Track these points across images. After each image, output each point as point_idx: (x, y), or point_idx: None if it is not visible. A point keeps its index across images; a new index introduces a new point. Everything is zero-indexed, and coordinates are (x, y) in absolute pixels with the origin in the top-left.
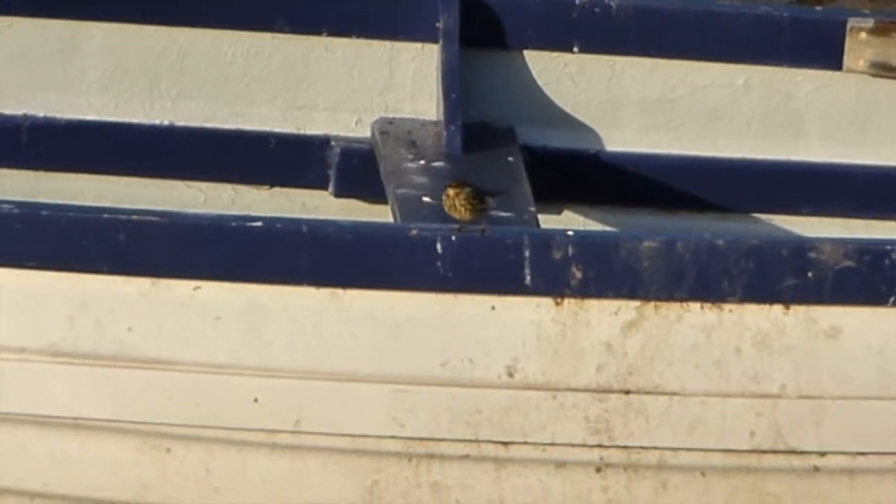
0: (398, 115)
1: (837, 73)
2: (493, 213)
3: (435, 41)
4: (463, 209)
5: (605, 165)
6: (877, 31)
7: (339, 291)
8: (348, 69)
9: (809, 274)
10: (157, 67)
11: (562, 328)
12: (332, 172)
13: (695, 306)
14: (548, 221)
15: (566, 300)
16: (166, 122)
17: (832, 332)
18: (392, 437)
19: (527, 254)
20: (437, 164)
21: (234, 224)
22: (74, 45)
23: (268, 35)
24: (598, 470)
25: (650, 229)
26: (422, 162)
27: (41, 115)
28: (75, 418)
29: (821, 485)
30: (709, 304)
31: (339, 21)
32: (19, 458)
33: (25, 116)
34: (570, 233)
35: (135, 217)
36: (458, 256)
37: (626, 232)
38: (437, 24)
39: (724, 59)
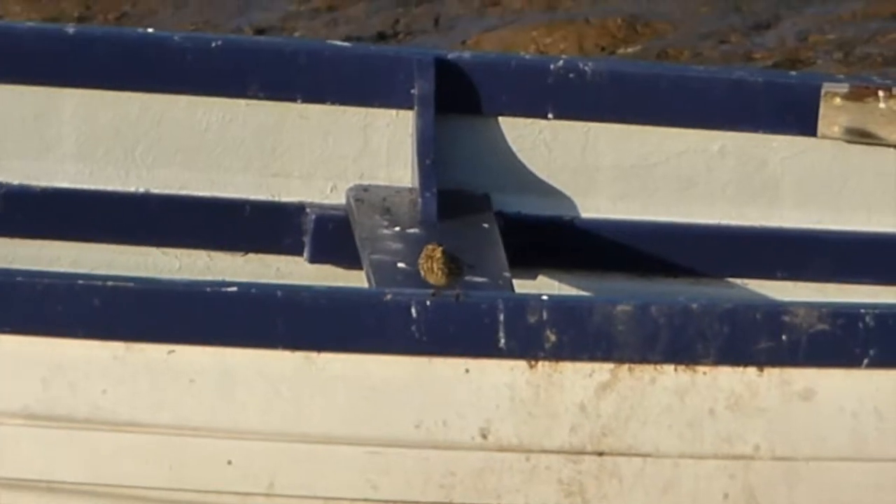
0: (373, 182)
1: (812, 140)
2: (469, 278)
3: (410, 107)
4: (439, 272)
5: (580, 231)
6: (851, 97)
7: (314, 355)
8: (323, 136)
9: (783, 337)
10: (131, 134)
11: (535, 390)
12: (307, 239)
13: (668, 368)
14: (523, 287)
15: (540, 363)
16: (141, 190)
17: (806, 395)
18: (366, 500)
19: (501, 318)
20: (412, 230)
21: (208, 289)
22: (49, 112)
23: (242, 101)
24: None
25: (624, 294)
26: (397, 228)
27: (16, 182)
28: (49, 481)
29: None
30: (682, 367)
31: (314, 88)
32: None
33: (0, 184)
34: (545, 297)
35: (109, 283)
36: (433, 321)
37: (601, 297)
38: (413, 91)
39: (699, 125)
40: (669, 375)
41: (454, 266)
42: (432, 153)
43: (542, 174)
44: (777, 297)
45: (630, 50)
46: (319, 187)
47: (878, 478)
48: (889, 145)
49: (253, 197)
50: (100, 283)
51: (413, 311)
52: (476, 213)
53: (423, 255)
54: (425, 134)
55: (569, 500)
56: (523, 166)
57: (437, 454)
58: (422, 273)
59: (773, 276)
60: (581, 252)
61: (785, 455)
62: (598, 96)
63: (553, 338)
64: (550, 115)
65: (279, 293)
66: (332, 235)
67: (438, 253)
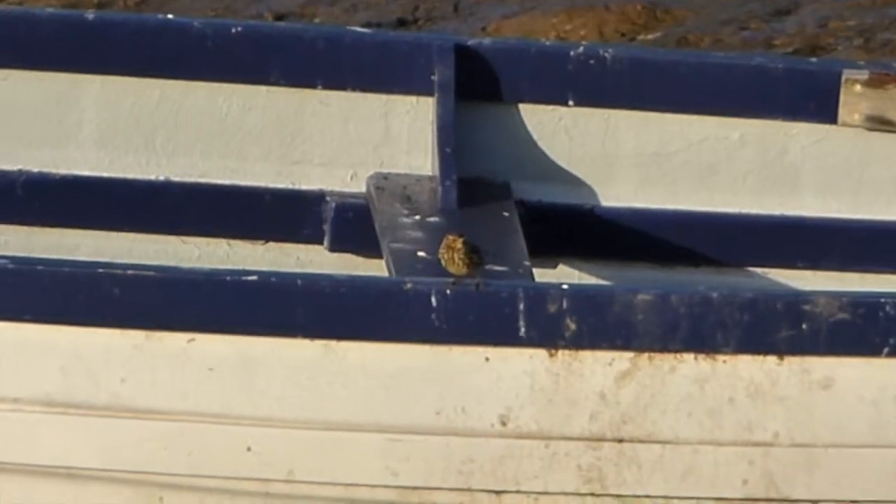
0: (393, 170)
1: (833, 127)
2: (488, 267)
3: (430, 94)
4: (460, 262)
5: (600, 220)
6: (872, 84)
7: (333, 343)
8: (343, 122)
9: (803, 326)
10: (151, 122)
11: (555, 378)
12: (327, 227)
13: (688, 357)
14: (543, 275)
15: (560, 351)
16: (161, 178)
17: (826, 383)
18: (385, 486)
19: (521, 307)
20: (433, 219)
21: (228, 278)
22: (70, 99)
23: (263, 88)
24: None
25: (645, 283)
26: (417, 217)
27: (36, 170)
28: (68, 468)
29: None
30: (703, 355)
31: (334, 74)
32: None
33: (20, 172)
34: (565, 286)
35: (130, 272)
36: (453, 309)
37: (621, 285)
38: (433, 77)
39: (719, 113)
40: (689, 364)
41: (475, 256)
42: (452, 141)
43: (563, 162)
44: (797, 285)
45: (650, 36)
46: (340, 175)
47: None
48: None
49: (273, 185)
50: (120, 271)
51: (433, 299)
52: (496, 202)
53: (443, 245)
54: (445, 121)
55: (588, 487)
56: (543, 154)
57: (456, 441)
58: (442, 263)
59: (794, 264)
60: (601, 240)
61: (804, 442)
62: (619, 83)
63: (573, 326)
64: (571, 102)
65: (299, 282)
66: (352, 224)
67: (459, 244)
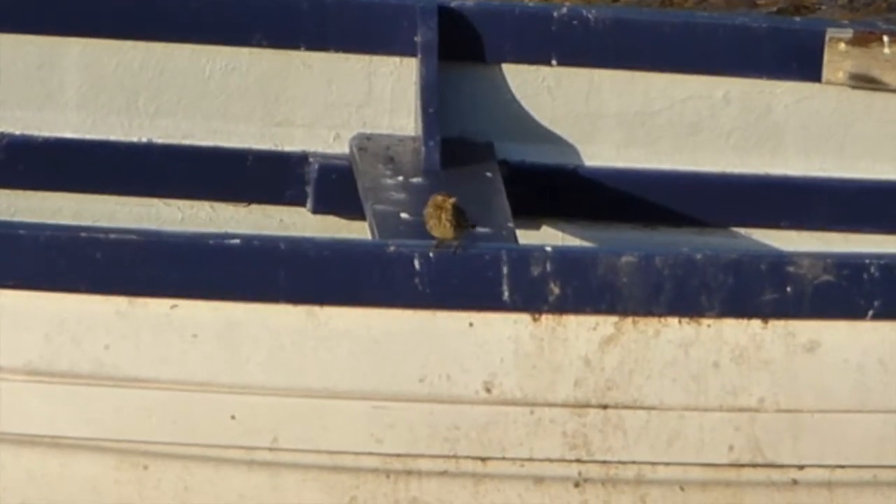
0: (376, 131)
1: (816, 85)
2: (472, 229)
3: (413, 55)
4: (447, 224)
5: (584, 180)
6: (856, 42)
7: (317, 308)
8: (326, 83)
9: (788, 288)
10: (134, 83)
11: (539, 343)
12: (309, 189)
13: (673, 321)
14: (526, 237)
15: (544, 316)
16: (144, 140)
17: (810, 346)
18: (370, 454)
19: (505, 270)
20: (416, 179)
21: (211, 242)
22: (52, 61)
23: (245, 50)
24: (577, 485)
25: (628, 244)
26: (400, 178)
27: (18, 132)
28: (53, 436)
29: (799, 498)
30: (687, 319)
31: (317, 35)
32: None
33: (2, 134)
34: (549, 248)
35: (112, 235)
36: (436, 273)
37: (605, 247)
38: (416, 38)
39: (703, 72)
40: (674, 328)
41: (462, 219)
42: (436, 101)
43: (546, 122)
44: (781, 245)
45: None
46: (322, 136)
47: (882, 429)
48: (894, 91)
49: (256, 147)
50: (102, 235)
51: (416, 263)
52: (479, 162)
53: (431, 203)
54: (428, 82)
55: (573, 453)
56: (527, 114)
57: (441, 408)
58: (428, 223)
59: (777, 224)
60: (584, 201)
61: (790, 407)
62: (602, 43)
63: (557, 290)
64: (554, 63)
65: (282, 245)
66: (335, 185)
67: (448, 204)
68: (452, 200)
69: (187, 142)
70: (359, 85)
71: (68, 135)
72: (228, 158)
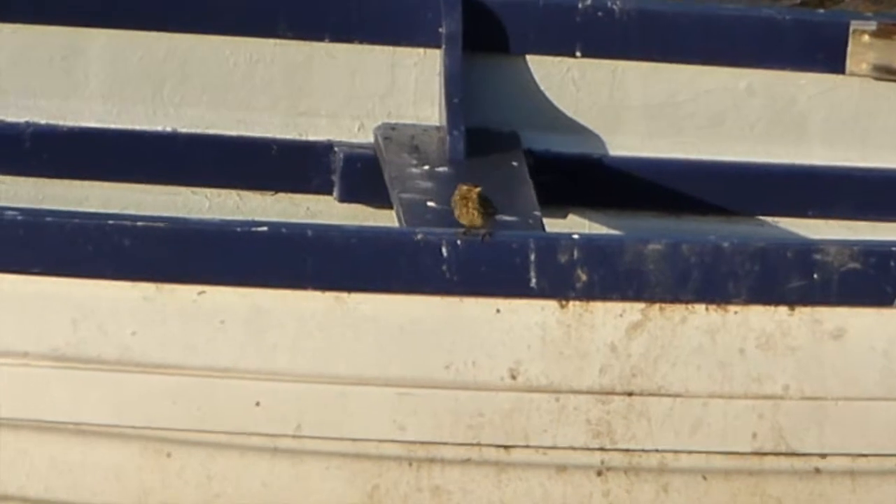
0: (400, 121)
1: (840, 77)
2: (498, 217)
3: (437, 46)
4: (474, 212)
5: (609, 169)
6: (880, 34)
7: (344, 295)
8: (350, 74)
9: (815, 276)
10: (159, 74)
11: (566, 330)
12: (335, 178)
13: (699, 308)
14: (552, 225)
15: (571, 302)
16: (169, 129)
17: (837, 334)
18: (393, 441)
19: (532, 257)
20: (441, 169)
21: (238, 229)
22: (77, 52)
23: (270, 41)
24: (599, 473)
25: (655, 232)
26: (425, 167)
27: (44, 122)
28: (77, 423)
29: (822, 487)
30: (713, 306)
31: (342, 26)
32: (21, 463)
33: (28, 123)
34: (576, 236)
35: (139, 223)
36: (464, 260)
37: (631, 235)
38: (440, 29)
39: (727, 63)
40: (700, 315)
41: (489, 207)
42: (460, 91)
43: (570, 112)
44: (807, 234)
45: None
46: (347, 126)
47: None
48: None
49: (280, 136)
50: (129, 223)
51: (444, 250)
52: (504, 152)
53: (457, 193)
54: (453, 72)
55: (597, 441)
56: (551, 104)
57: (466, 395)
58: (455, 211)
59: (803, 213)
60: (609, 190)
61: (814, 394)
62: (626, 34)
63: (584, 277)
64: (578, 54)
65: (309, 233)
66: (360, 174)
67: (474, 194)
68: (478, 190)
69: (212, 131)
70: (383, 75)
71: (93, 124)
72: (254, 147)
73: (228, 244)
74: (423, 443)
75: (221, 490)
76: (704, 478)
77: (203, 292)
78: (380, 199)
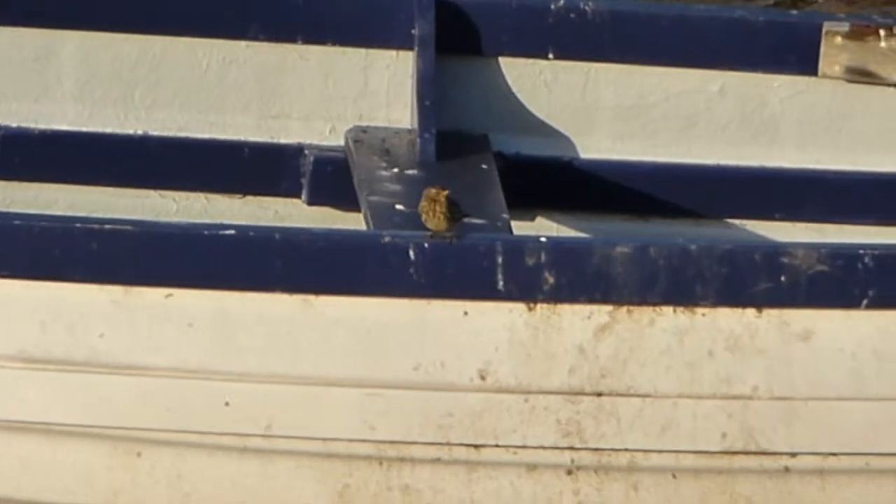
0: (372, 124)
1: (813, 79)
2: (467, 220)
3: (410, 48)
4: (441, 216)
5: (579, 172)
6: (853, 35)
7: (312, 298)
8: (323, 77)
9: (782, 278)
10: (130, 76)
11: (534, 332)
12: (305, 181)
13: (667, 310)
14: (521, 228)
15: (539, 305)
16: (140, 132)
17: (805, 335)
18: (363, 441)
19: (499, 260)
20: (411, 172)
21: (206, 232)
22: (48, 54)
23: (242, 43)
24: (569, 472)
25: (623, 235)
26: (395, 170)
27: (14, 125)
28: (46, 423)
29: (791, 485)
30: (681, 308)
31: (314, 28)
32: None
33: None
34: (543, 239)
35: (107, 226)
36: (431, 263)
37: (599, 238)
38: (413, 31)
39: (699, 65)
40: (668, 317)
41: (456, 211)
42: (432, 94)
43: (542, 114)
44: (776, 237)
45: None
46: (318, 129)
47: (875, 417)
48: (890, 84)
49: (252, 139)
50: (98, 226)
51: (411, 253)
52: (475, 154)
53: (425, 197)
54: (425, 74)
55: (567, 441)
56: (523, 107)
57: (435, 396)
58: (422, 216)
59: (772, 216)
60: (579, 193)
61: (783, 395)
62: (599, 36)
63: (552, 280)
64: (551, 56)
65: (277, 236)
66: (330, 177)
67: (442, 197)
68: (446, 193)
69: (183, 134)
70: (355, 78)
71: (64, 127)
72: (224, 150)
73: (196, 247)
74: (393, 442)
75: (192, 490)
76: (674, 477)
77: (171, 295)
78: (349, 202)
